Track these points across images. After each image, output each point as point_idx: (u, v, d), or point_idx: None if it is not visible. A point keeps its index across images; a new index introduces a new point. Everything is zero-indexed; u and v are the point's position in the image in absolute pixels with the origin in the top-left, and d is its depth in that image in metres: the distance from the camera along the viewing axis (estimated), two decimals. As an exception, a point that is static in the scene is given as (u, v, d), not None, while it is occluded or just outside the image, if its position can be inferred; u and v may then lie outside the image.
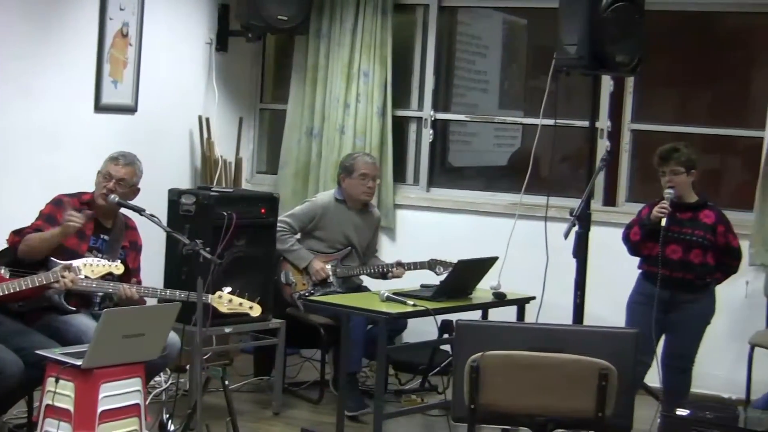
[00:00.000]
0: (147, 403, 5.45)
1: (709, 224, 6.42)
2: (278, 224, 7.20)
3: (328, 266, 7.29)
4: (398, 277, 7.33)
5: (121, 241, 6.07)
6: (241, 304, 5.82)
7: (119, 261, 5.74)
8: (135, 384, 5.22)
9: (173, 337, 5.71)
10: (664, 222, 6.29)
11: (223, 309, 5.78)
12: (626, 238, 6.61)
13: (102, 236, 6.00)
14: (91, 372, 5.03)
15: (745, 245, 7.21)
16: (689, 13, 8.02)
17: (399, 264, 7.34)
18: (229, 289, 5.87)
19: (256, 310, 5.88)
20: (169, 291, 5.88)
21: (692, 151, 6.48)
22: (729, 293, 7.27)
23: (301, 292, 7.22)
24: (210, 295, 5.68)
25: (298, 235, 7.37)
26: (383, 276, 7.37)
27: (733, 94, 8.19)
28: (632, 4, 6.06)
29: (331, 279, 7.29)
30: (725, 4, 7.77)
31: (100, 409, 5.04)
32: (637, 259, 6.63)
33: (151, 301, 6.07)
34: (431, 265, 7.28)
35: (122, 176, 6.00)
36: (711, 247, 6.41)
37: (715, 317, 6.61)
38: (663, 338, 6.48)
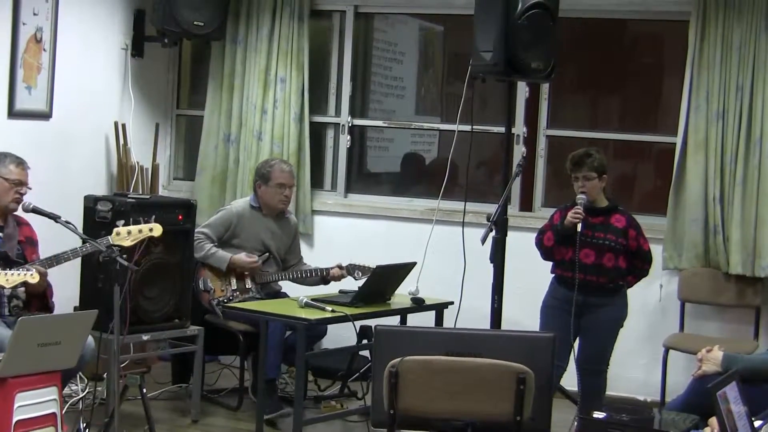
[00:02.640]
0: (63, 412, 5.39)
1: (620, 228, 6.49)
2: (195, 235, 7.16)
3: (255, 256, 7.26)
4: (337, 279, 7.31)
5: (17, 237, 6.03)
6: (140, 231, 5.78)
7: (33, 270, 5.66)
8: (51, 393, 5.16)
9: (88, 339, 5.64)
10: (579, 228, 6.36)
11: (127, 243, 5.72)
12: (539, 244, 6.65)
13: None
14: (6, 381, 4.97)
15: (658, 249, 7.33)
16: (600, 20, 8.11)
17: (339, 266, 7.31)
18: (121, 222, 5.84)
19: (157, 229, 5.86)
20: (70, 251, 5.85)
21: (603, 157, 6.57)
22: (643, 297, 7.39)
23: (220, 299, 7.19)
24: (109, 238, 5.64)
25: (216, 245, 7.31)
26: (324, 280, 7.35)
27: (646, 100, 8.30)
28: (546, 12, 6.12)
29: (250, 286, 7.27)
30: (635, 12, 7.88)
31: (15, 419, 4.98)
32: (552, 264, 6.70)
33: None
34: (350, 270, 7.27)
35: (27, 181, 6.04)
36: (623, 251, 6.49)
37: (630, 320, 6.70)
38: (577, 342, 6.54)
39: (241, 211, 7.38)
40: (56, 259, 5.80)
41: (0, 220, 6.05)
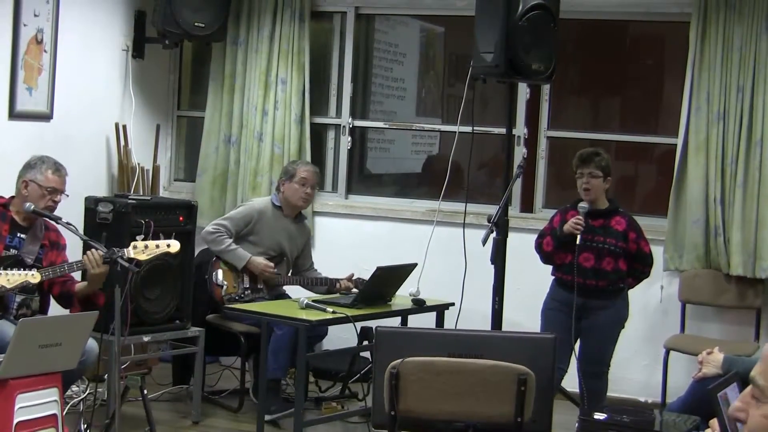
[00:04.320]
0: (64, 413, 5.39)
1: (620, 231, 6.48)
2: (213, 227, 7.19)
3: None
4: (348, 290, 7.29)
5: (40, 241, 6.02)
6: (157, 246, 5.78)
7: (35, 270, 5.67)
8: (52, 394, 5.16)
9: (90, 342, 5.64)
10: (578, 239, 6.34)
11: (143, 257, 5.73)
12: (538, 248, 6.64)
13: (19, 235, 5.97)
14: (6, 382, 4.97)
15: (659, 251, 7.33)
16: (601, 22, 8.11)
17: (349, 279, 7.30)
18: (141, 236, 5.85)
19: (174, 246, 5.84)
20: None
21: (609, 160, 6.58)
22: (644, 298, 7.39)
23: (232, 295, 7.18)
24: (125, 250, 5.64)
25: (233, 240, 7.30)
26: (330, 291, 7.34)
27: (646, 101, 8.31)
28: (546, 13, 6.11)
29: (261, 286, 7.25)
30: (636, 13, 7.88)
31: (15, 420, 4.97)
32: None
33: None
34: (357, 284, 7.25)
35: (64, 188, 6.04)
36: (623, 254, 6.48)
37: (631, 322, 6.69)
38: (578, 344, 6.54)
39: (263, 209, 7.38)
40: (52, 271, 5.79)
41: (26, 221, 6.04)
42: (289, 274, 7.48)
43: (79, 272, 5.98)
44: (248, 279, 7.27)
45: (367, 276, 7.03)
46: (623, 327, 6.62)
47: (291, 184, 7.36)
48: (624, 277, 6.55)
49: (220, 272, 7.23)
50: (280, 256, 7.38)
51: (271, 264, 7.26)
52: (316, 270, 7.60)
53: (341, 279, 7.29)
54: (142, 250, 5.71)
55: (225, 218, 7.33)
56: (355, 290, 7.22)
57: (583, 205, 6.41)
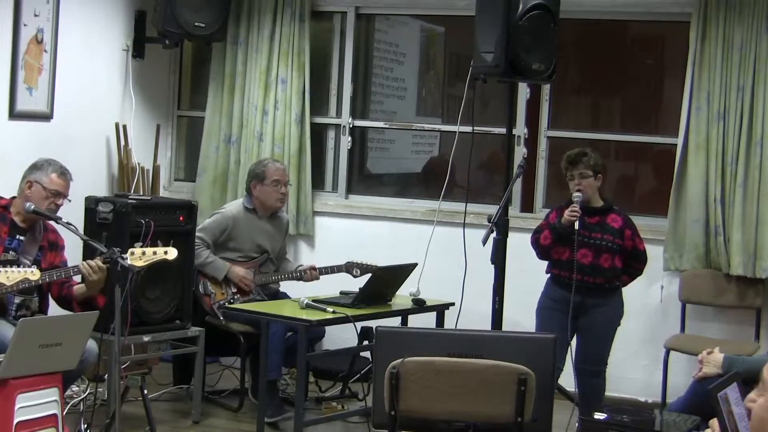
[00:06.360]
0: (64, 413, 5.39)
1: (616, 228, 6.50)
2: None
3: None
4: (313, 279, 7.30)
5: (39, 242, 6.02)
6: (155, 252, 5.78)
7: (35, 267, 5.66)
8: (52, 394, 5.16)
9: (90, 342, 5.65)
10: (576, 225, 6.36)
11: (140, 264, 5.71)
12: (535, 243, 6.64)
13: (18, 237, 5.97)
14: (7, 382, 4.97)
15: (659, 251, 7.33)
16: (601, 21, 8.11)
17: (312, 268, 7.31)
18: (139, 243, 5.85)
19: (171, 253, 5.83)
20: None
21: (598, 157, 6.59)
22: (644, 298, 7.39)
23: (221, 302, 7.18)
24: (123, 255, 5.63)
25: (211, 250, 7.29)
26: (297, 279, 7.35)
27: (646, 101, 8.31)
28: (546, 13, 6.11)
29: (253, 289, 7.27)
30: (636, 13, 7.88)
31: (16, 420, 4.98)
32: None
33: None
34: (348, 268, 7.26)
35: (67, 192, 6.06)
36: (619, 251, 6.49)
37: (632, 321, 6.70)
38: (574, 342, 6.54)
39: (236, 214, 7.36)
40: (49, 275, 5.78)
41: (24, 223, 6.04)
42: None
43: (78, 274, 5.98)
44: (234, 284, 7.28)
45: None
46: (619, 324, 6.63)
47: (263, 187, 7.33)
48: (619, 274, 6.56)
49: (207, 282, 7.22)
50: (263, 256, 7.38)
51: (249, 277, 7.25)
52: (289, 261, 7.66)
53: (306, 268, 7.31)
54: (139, 256, 5.71)
55: (200, 229, 7.27)
56: (350, 277, 7.21)
57: (577, 195, 6.42)
